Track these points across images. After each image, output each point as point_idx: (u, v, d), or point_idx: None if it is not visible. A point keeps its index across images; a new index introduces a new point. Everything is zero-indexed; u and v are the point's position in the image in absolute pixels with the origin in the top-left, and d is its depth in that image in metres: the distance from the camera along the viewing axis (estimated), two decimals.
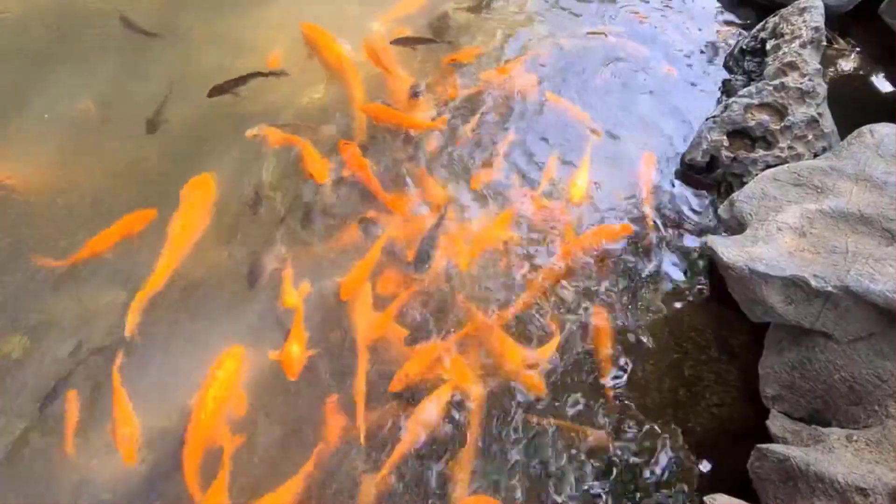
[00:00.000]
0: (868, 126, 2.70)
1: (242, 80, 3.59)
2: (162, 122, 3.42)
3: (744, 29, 4.03)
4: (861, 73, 3.81)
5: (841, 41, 3.93)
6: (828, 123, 3.15)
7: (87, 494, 2.40)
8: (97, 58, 3.80)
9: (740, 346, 2.76)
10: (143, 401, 2.59)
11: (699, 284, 2.95)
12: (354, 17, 4.02)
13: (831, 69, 3.79)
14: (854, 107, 3.51)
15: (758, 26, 3.69)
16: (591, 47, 4.01)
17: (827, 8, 3.54)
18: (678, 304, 2.90)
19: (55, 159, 3.35)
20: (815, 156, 2.99)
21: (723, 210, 2.69)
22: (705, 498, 2.00)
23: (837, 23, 3.94)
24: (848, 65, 3.85)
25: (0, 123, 3.48)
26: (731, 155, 3.17)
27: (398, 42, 3.86)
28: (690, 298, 2.92)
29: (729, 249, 2.36)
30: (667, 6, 4.28)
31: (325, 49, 3.80)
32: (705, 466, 2.43)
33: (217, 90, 3.54)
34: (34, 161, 3.35)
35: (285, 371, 2.62)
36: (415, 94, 3.60)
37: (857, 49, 3.92)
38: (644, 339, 2.78)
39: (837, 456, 1.95)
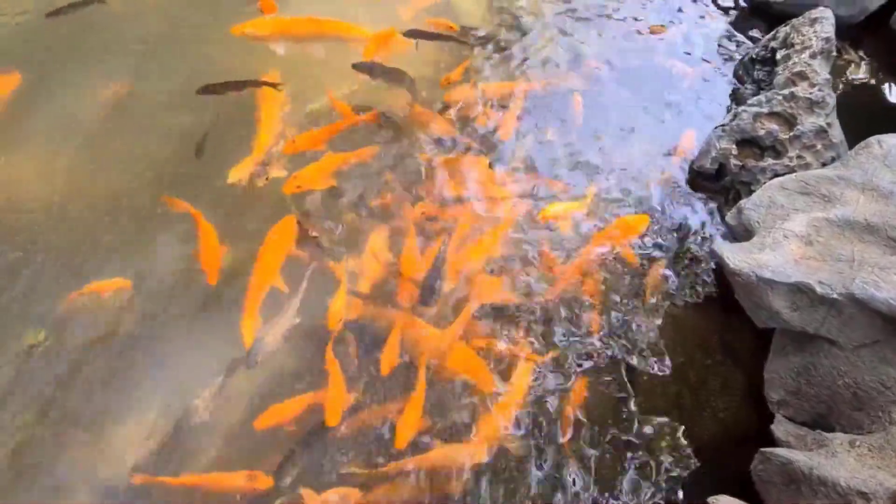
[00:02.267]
0: (876, 136, 2.73)
1: (236, 85, 3.63)
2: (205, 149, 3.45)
3: (754, 38, 4.06)
4: (871, 83, 3.83)
5: (851, 52, 3.96)
6: (836, 133, 3.17)
7: (98, 484, 2.45)
8: (113, 59, 3.86)
9: (746, 351, 2.78)
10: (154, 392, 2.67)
11: (705, 290, 2.97)
12: (362, 21, 4.07)
13: (841, 80, 3.81)
14: (863, 117, 3.52)
15: (768, 36, 3.73)
16: (602, 52, 4.07)
17: (838, 19, 3.57)
18: (684, 310, 2.92)
19: (71, 158, 3.41)
20: (824, 165, 3.02)
21: (730, 217, 2.72)
22: (709, 499, 2.03)
23: (848, 34, 3.96)
24: (858, 76, 3.87)
25: (18, 124, 3.54)
26: (740, 163, 3.20)
27: (411, 34, 3.86)
28: (696, 304, 2.94)
29: (736, 256, 2.39)
30: (677, 15, 4.31)
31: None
32: (709, 469, 2.45)
33: (208, 89, 3.58)
34: (51, 160, 3.41)
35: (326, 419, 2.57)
36: (444, 110, 3.61)
37: (868, 60, 3.94)
38: (650, 345, 2.81)
39: (840, 460, 1.97)
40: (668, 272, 3.02)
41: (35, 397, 2.63)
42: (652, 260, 3.06)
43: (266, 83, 3.65)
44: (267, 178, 3.24)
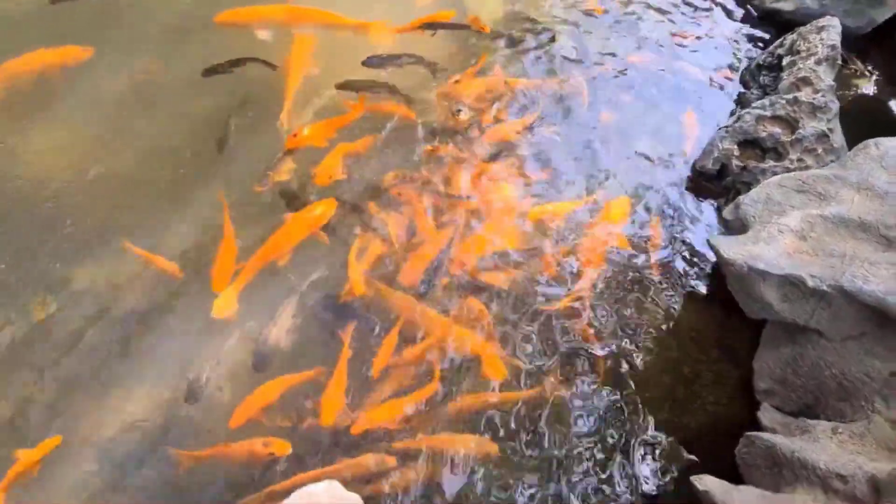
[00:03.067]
0: (873, 139, 2.78)
1: (236, 62, 3.75)
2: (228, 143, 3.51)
3: (762, 45, 4.12)
4: (875, 93, 3.88)
5: (857, 62, 4.01)
6: (837, 138, 3.22)
7: (99, 455, 2.52)
8: (136, 46, 3.95)
9: (740, 348, 2.82)
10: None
11: (702, 286, 3.02)
12: (377, 10, 4.13)
13: (846, 89, 3.86)
14: (866, 126, 3.55)
15: (775, 42, 3.79)
16: (614, 52, 4.14)
17: (845, 29, 3.62)
18: (680, 305, 2.97)
19: (93, 138, 3.49)
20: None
21: (728, 212, 2.77)
22: (692, 478, 2.08)
23: (855, 45, 4.01)
24: (863, 85, 3.92)
25: (45, 104, 3.64)
26: (742, 164, 3.26)
27: (425, 26, 3.95)
28: (693, 300, 2.99)
29: (730, 247, 2.45)
30: (689, 21, 4.38)
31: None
32: (697, 457, 2.50)
33: (212, 70, 3.70)
34: (74, 140, 3.50)
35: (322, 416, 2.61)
36: (457, 111, 3.67)
37: (873, 70, 3.99)
38: (645, 339, 2.86)
39: (822, 446, 2.02)
40: (667, 269, 3.08)
41: (49, 365, 2.71)
42: (650, 256, 3.12)
43: (264, 61, 3.77)
44: (270, 182, 3.28)
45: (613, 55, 4.10)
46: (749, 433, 2.21)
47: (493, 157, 3.50)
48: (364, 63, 3.78)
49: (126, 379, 2.70)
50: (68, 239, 3.07)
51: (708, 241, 2.62)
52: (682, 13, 4.42)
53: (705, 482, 1.99)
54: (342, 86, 3.67)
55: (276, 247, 3.01)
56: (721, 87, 3.94)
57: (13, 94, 3.61)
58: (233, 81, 3.72)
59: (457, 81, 3.77)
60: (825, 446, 2.02)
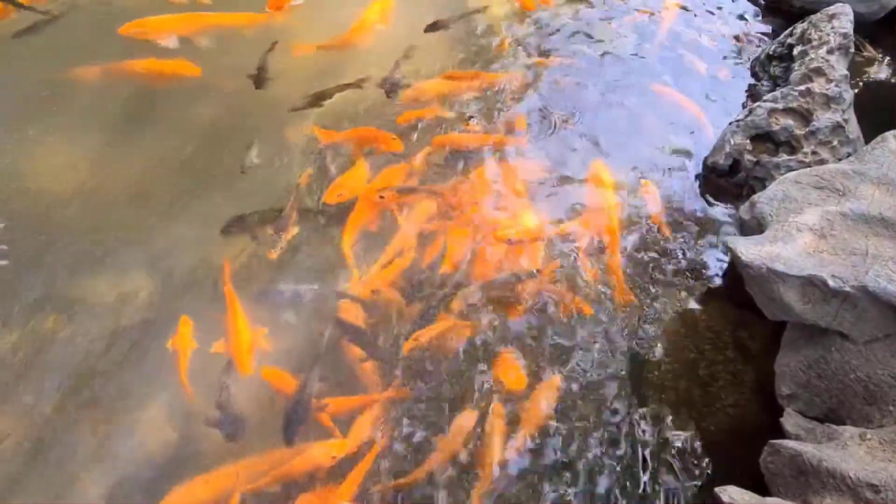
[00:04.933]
0: (892, 132, 2.71)
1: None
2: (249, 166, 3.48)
3: (772, 35, 4.04)
4: (890, 80, 3.79)
5: (870, 49, 3.92)
6: (853, 129, 3.15)
7: (113, 481, 2.46)
8: (137, 54, 3.95)
9: (757, 347, 2.77)
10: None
11: (717, 285, 2.97)
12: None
13: (860, 76, 3.78)
14: (882, 114, 3.49)
15: (786, 32, 3.71)
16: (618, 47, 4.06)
17: (857, 15, 3.54)
18: (695, 305, 2.92)
19: (96, 149, 3.50)
20: (840, 161, 2.99)
21: (743, 211, 2.71)
22: (716, 489, 2.02)
23: (867, 31, 3.93)
24: (877, 72, 3.83)
25: (48, 114, 3.63)
26: (754, 159, 3.19)
27: (430, 29, 4.00)
28: (708, 299, 2.93)
29: (748, 248, 2.38)
30: (694, 11, 4.30)
31: None
32: (718, 463, 2.44)
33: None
34: (77, 149, 3.49)
35: None
36: (469, 118, 3.64)
37: (888, 57, 3.90)
38: (660, 340, 2.81)
39: (850, 453, 1.96)
40: (680, 266, 3.02)
41: (55, 380, 2.68)
42: (662, 254, 3.06)
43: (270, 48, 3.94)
44: (281, 246, 3.16)
45: (616, 52, 4.04)
46: (773, 441, 2.15)
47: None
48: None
49: (138, 395, 2.66)
50: (77, 253, 3.06)
51: (724, 242, 2.56)
52: (687, 4, 4.36)
53: (730, 493, 1.94)
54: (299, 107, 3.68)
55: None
56: (730, 80, 3.88)
57: (20, 106, 3.63)
58: (233, 92, 3.70)
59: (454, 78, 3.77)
60: (854, 453, 1.96)
